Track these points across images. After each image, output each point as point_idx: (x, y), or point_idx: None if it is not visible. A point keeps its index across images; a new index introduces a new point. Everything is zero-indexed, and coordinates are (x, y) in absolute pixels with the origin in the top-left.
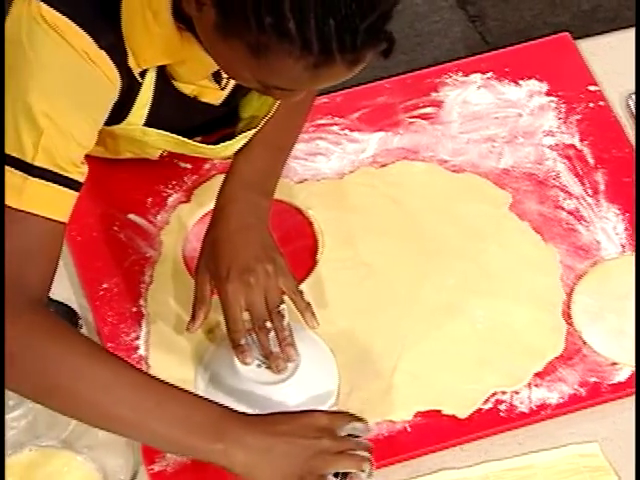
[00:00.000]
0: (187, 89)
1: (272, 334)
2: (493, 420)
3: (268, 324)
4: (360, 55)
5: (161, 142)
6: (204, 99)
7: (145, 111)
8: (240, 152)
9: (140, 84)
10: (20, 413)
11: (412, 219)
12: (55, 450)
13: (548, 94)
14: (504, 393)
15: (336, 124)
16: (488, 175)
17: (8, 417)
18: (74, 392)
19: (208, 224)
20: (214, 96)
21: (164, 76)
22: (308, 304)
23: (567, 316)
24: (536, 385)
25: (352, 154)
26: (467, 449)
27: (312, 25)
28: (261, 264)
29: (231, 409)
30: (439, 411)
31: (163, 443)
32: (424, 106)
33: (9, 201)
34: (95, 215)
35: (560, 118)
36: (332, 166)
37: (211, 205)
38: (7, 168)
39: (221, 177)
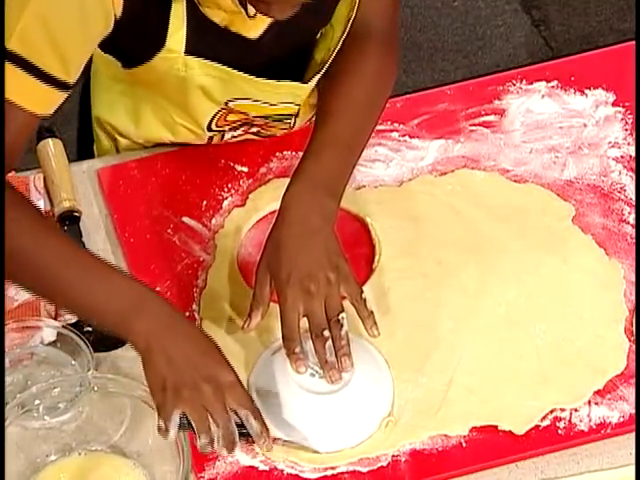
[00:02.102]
0: (216, 17)
1: (329, 343)
2: (551, 438)
3: (326, 333)
4: None
5: (205, 78)
6: (235, 29)
7: (182, 34)
8: (308, 150)
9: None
10: (69, 417)
11: (472, 229)
12: (104, 455)
13: (615, 104)
14: (563, 410)
15: (396, 130)
16: (551, 186)
17: (58, 420)
18: (12, 251)
19: (272, 222)
20: (245, 27)
21: (191, 1)
22: (370, 312)
23: (630, 333)
24: (596, 403)
25: (411, 161)
26: (522, 467)
27: None
28: (323, 271)
29: (160, 298)
30: (495, 427)
31: (83, 312)
32: (486, 114)
33: None
34: (149, 217)
35: (626, 130)
36: (391, 173)
37: (267, 209)
38: None
39: (277, 181)
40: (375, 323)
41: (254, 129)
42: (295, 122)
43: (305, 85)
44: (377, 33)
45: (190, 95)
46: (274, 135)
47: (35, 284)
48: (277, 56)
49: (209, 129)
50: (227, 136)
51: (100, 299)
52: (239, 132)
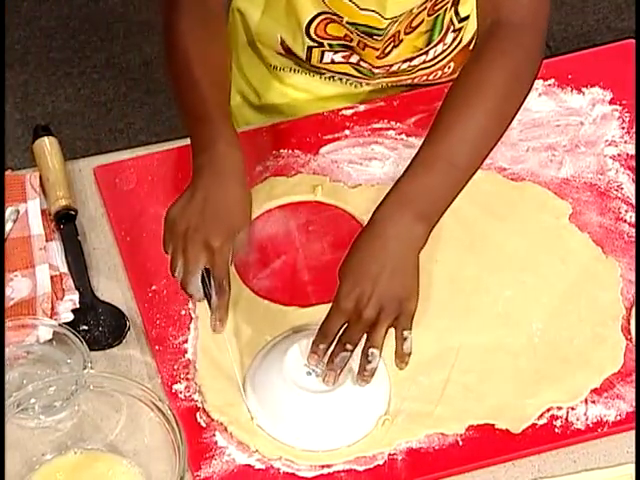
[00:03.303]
0: None
1: (344, 354)
2: (547, 436)
3: (349, 346)
4: None
5: None
6: None
7: None
8: (410, 165)
9: None
10: (65, 415)
11: (469, 227)
12: (100, 453)
13: (612, 102)
14: (560, 409)
15: (392, 129)
16: (548, 184)
17: (54, 419)
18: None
19: (364, 226)
20: None
21: None
22: (408, 354)
23: (627, 331)
24: (593, 401)
25: (408, 159)
26: (519, 465)
27: None
28: (381, 303)
29: (234, 155)
30: (492, 425)
31: (185, 125)
32: None
33: None
34: (146, 216)
35: (623, 128)
36: (387, 171)
37: (263, 208)
38: None
39: (274, 180)
40: (404, 362)
41: (353, 59)
42: (391, 51)
43: None
44: (514, 31)
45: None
46: (368, 75)
47: (175, 85)
48: None
49: (308, 35)
50: (326, 58)
51: (200, 125)
52: (339, 58)
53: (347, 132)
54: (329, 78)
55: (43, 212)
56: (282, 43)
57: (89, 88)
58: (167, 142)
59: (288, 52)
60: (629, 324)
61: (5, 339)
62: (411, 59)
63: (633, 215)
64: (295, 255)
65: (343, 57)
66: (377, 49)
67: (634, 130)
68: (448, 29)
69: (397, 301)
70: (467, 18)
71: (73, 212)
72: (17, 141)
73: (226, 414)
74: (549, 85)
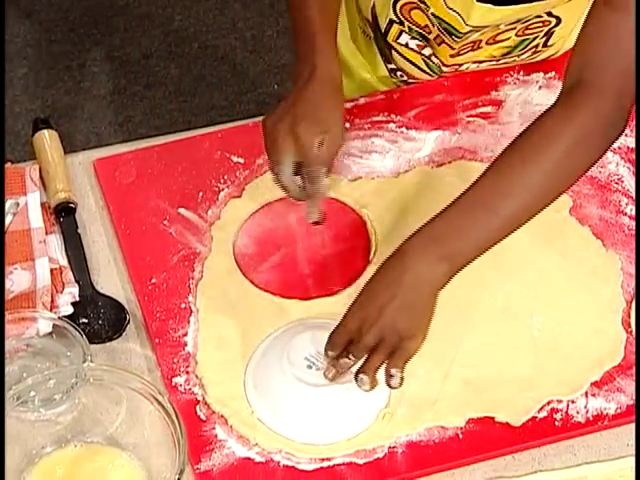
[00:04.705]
0: None
1: (345, 360)
2: (548, 429)
3: (352, 357)
4: None
5: None
6: None
7: None
8: (451, 204)
9: None
10: (65, 408)
11: None
12: (100, 446)
13: None
14: (560, 402)
15: (392, 122)
16: None
17: (53, 412)
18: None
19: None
20: None
21: None
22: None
23: (627, 324)
24: (593, 394)
25: (408, 152)
26: (519, 458)
27: None
28: (380, 334)
29: (325, 70)
30: (492, 418)
31: None
32: (483, 105)
33: None
34: (145, 209)
35: None
36: (387, 164)
37: (263, 201)
38: None
39: None
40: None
41: (426, 51)
42: (466, 53)
43: (474, 4)
44: (594, 94)
45: None
46: (436, 73)
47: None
48: None
49: (394, 10)
50: (402, 39)
51: (303, 41)
52: (413, 45)
53: (347, 125)
54: (395, 71)
55: (43, 205)
56: (373, 7)
57: (89, 81)
58: (167, 135)
59: (374, 19)
60: (629, 317)
61: (5, 332)
62: (481, 62)
63: (633, 208)
64: (295, 248)
65: (417, 46)
66: (453, 48)
67: (634, 123)
68: (529, 50)
69: (398, 336)
70: (551, 46)
71: (73, 205)
72: (17, 134)
73: (227, 406)
74: (549, 78)
